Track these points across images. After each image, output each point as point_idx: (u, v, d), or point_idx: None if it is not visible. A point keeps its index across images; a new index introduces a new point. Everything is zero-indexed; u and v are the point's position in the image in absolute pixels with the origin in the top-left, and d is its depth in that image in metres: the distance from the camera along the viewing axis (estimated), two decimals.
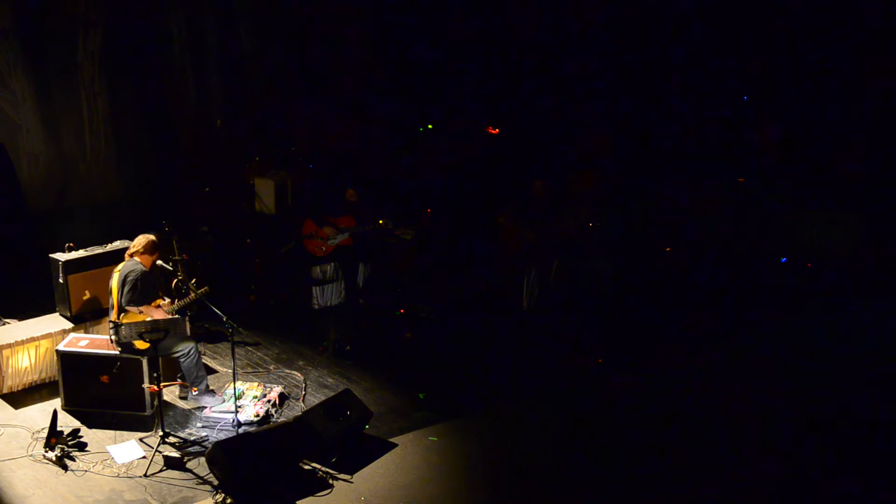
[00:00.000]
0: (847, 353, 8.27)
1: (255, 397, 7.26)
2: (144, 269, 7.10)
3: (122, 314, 6.99)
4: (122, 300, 6.98)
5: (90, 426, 6.93)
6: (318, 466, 6.40)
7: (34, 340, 7.59)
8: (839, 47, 10.00)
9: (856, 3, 9.95)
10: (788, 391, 7.63)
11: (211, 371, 7.86)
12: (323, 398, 7.16)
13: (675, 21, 10.71)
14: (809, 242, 10.02)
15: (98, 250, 8.13)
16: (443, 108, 12.00)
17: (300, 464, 6.42)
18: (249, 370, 8.04)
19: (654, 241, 10.26)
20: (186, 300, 7.28)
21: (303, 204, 11.19)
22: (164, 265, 7.43)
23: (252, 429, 6.81)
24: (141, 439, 6.76)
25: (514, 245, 9.21)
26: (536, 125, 11.48)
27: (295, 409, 7.25)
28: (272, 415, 7.10)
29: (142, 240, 7.21)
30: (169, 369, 7.34)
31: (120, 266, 7.15)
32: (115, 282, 7.05)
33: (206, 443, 6.66)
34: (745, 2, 10.50)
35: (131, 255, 7.17)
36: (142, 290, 7.02)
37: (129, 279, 6.99)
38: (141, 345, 6.86)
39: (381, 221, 9.19)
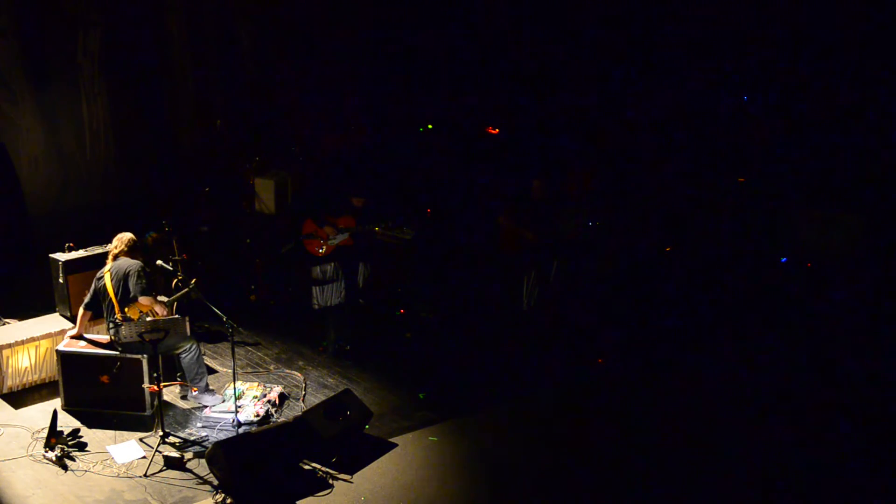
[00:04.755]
0: (845, 352, 8.29)
1: (255, 397, 7.26)
2: (139, 262, 7.12)
3: (128, 308, 6.99)
4: (133, 294, 6.99)
5: (90, 426, 6.93)
6: (318, 466, 6.40)
7: (34, 340, 7.59)
8: (839, 46, 10.00)
9: (857, 2, 9.95)
10: (789, 391, 7.64)
11: (211, 371, 7.86)
12: (323, 398, 7.16)
13: (672, 17, 10.71)
14: (809, 242, 10.01)
15: (98, 250, 8.14)
16: (443, 108, 12.00)
17: (300, 464, 6.42)
18: (249, 370, 8.04)
19: (654, 240, 10.26)
20: (178, 295, 7.27)
21: (303, 204, 11.19)
22: (164, 265, 7.43)
23: (252, 429, 6.81)
24: (141, 439, 6.76)
25: (514, 245, 9.21)
26: (537, 124, 11.49)
27: (295, 409, 7.25)
28: (272, 415, 7.10)
29: (124, 238, 7.25)
30: (169, 369, 7.34)
31: (107, 267, 7.15)
32: (108, 281, 7.05)
33: (206, 443, 6.66)
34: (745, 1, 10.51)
35: (116, 256, 7.18)
36: (145, 281, 7.03)
37: (131, 273, 7.01)
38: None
39: (377, 228, 9.16)
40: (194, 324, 7.49)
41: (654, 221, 10.41)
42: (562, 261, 9.16)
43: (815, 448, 6.76)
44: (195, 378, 7.26)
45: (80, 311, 7.39)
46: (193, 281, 7.18)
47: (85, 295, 7.52)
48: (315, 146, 12.16)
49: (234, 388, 7.07)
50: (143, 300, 7.03)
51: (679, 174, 10.68)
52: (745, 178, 10.47)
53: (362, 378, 7.89)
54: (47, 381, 7.64)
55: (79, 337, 7.34)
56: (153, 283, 7.26)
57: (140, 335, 6.67)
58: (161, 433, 6.67)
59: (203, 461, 6.35)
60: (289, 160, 11.88)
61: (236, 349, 6.87)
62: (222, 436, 6.69)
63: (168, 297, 7.39)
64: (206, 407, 7.19)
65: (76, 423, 6.94)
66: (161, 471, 6.34)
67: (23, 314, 8.21)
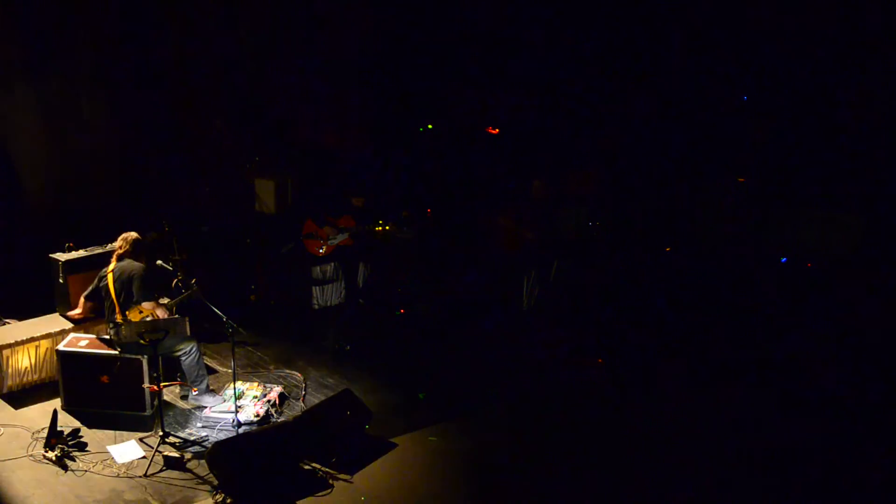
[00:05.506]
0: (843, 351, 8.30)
1: (255, 397, 7.26)
2: (142, 265, 7.10)
3: (129, 310, 6.99)
4: (135, 298, 6.98)
5: (90, 426, 6.93)
6: (318, 466, 6.39)
7: (34, 340, 7.59)
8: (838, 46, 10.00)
9: (855, 2, 9.95)
10: (787, 390, 7.65)
11: (211, 371, 7.86)
12: (323, 398, 7.16)
13: (674, 18, 10.71)
14: (809, 242, 10.01)
15: (98, 250, 8.13)
16: (442, 108, 12.00)
17: (300, 464, 6.41)
18: (249, 370, 8.03)
19: (654, 240, 10.26)
20: (180, 298, 7.27)
21: (303, 204, 11.19)
22: (165, 265, 7.43)
23: (252, 429, 6.82)
24: (141, 439, 6.76)
25: (514, 245, 9.21)
26: (536, 125, 11.49)
27: (295, 409, 7.25)
28: (272, 415, 7.10)
29: (128, 238, 7.22)
30: (169, 369, 7.33)
31: (111, 267, 7.14)
32: (110, 282, 7.04)
33: (206, 443, 6.66)
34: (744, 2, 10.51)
35: (120, 256, 7.16)
36: (149, 284, 7.03)
37: (135, 277, 7.00)
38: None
39: (377, 228, 9.17)
40: (194, 324, 7.50)
41: (653, 221, 10.41)
42: (562, 261, 9.17)
43: (817, 449, 6.77)
44: (195, 380, 7.25)
45: (81, 299, 7.44)
46: (193, 281, 7.19)
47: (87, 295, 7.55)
48: (315, 146, 12.15)
49: (234, 388, 7.07)
50: (144, 305, 7.02)
51: (679, 174, 10.68)
52: (745, 178, 10.47)
53: (362, 378, 7.89)
54: (47, 381, 7.63)
55: (80, 320, 7.35)
56: (155, 285, 7.25)
57: (140, 335, 6.67)
58: (161, 433, 6.67)
59: (203, 461, 6.35)
60: (289, 160, 11.88)
61: (236, 349, 6.86)
62: (222, 436, 6.69)
63: (169, 297, 7.39)
64: (206, 407, 7.19)
65: (76, 423, 6.94)
66: (161, 471, 6.34)
67: (23, 314, 8.21)
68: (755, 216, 10.33)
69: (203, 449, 6.54)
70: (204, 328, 8.49)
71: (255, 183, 11.32)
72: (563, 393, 7.70)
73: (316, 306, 9.50)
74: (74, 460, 6.46)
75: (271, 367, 8.09)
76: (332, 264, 9.49)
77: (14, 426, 6.96)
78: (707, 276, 9.80)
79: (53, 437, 6.55)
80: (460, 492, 6.26)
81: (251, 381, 7.66)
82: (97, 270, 7.49)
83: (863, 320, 8.83)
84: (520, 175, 10.58)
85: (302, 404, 7.35)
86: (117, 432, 6.85)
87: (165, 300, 7.27)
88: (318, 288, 9.47)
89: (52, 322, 7.89)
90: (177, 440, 6.73)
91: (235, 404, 6.95)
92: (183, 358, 7.15)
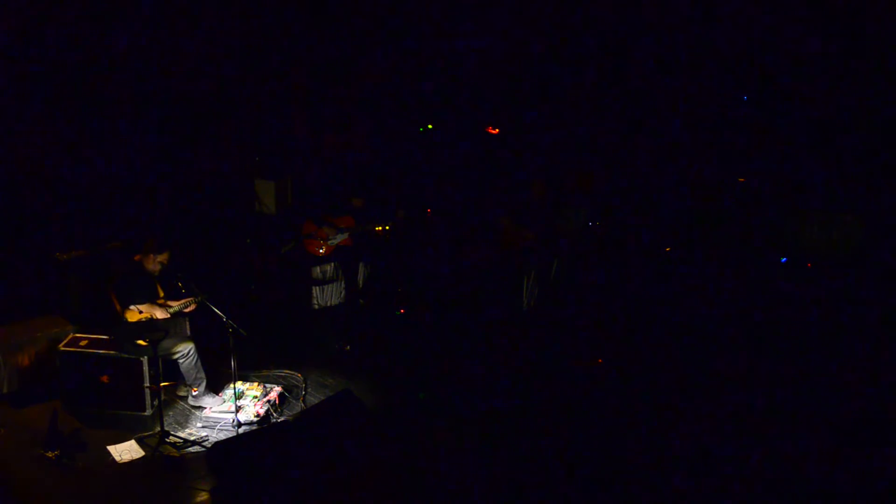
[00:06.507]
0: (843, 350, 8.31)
1: (255, 397, 7.26)
2: (144, 268, 7.10)
3: (127, 310, 7.00)
4: (134, 300, 6.98)
5: (90, 426, 6.93)
6: (318, 466, 6.39)
7: (34, 340, 7.59)
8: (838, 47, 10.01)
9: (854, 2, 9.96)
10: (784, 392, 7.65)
11: (211, 371, 7.84)
12: (323, 398, 7.16)
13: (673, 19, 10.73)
14: (809, 242, 10.02)
15: (99, 250, 8.13)
16: (443, 108, 12.01)
17: (300, 464, 6.41)
18: (249, 370, 8.03)
19: (655, 240, 10.27)
20: (182, 302, 7.26)
21: (303, 204, 11.20)
22: (166, 266, 7.42)
23: (252, 429, 6.82)
24: (141, 439, 6.77)
25: (514, 245, 9.22)
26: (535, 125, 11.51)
27: (295, 409, 7.26)
28: (272, 415, 7.11)
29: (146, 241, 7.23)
30: (171, 370, 7.33)
31: (112, 267, 7.15)
32: (107, 281, 7.04)
33: (206, 443, 6.67)
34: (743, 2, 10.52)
35: (121, 256, 7.16)
36: (142, 288, 7.03)
37: (134, 277, 7.00)
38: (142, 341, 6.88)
39: (377, 228, 9.17)
40: (194, 324, 7.50)
41: (653, 222, 10.42)
42: (562, 261, 9.18)
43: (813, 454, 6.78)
44: (194, 382, 7.25)
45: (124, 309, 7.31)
46: (201, 296, 7.19)
47: (87, 295, 7.52)
48: (315, 146, 12.17)
49: (234, 388, 7.08)
50: (142, 306, 7.02)
51: (679, 174, 10.69)
52: (745, 178, 10.49)
53: (362, 378, 7.90)
54: (47, 381, 7.63)
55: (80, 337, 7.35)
56: (150, 289, 7.24)
57: (140, 336, 6.67)
58: (161, 433, 6.67)
59: (203, 461, 6.35)
60: (289, 160, 11.89)
61: (237, 349, 6.87)
62: (222, 436, 6.70)
63: (168, 297, 7.38)
64: (205, 407, 7.19)
65: (76, 424, 6.94)
66: (161, 471, 6.34)
67: (23, 314, 8.21)
68: (755, 216, 10.35)
69: (203, 449, 6.55)
70: (203, 328, 8.50)
71: (255, 183, 11.33)
72: (564, 393, 7.70)
73: (316, 306, 9.51)
74: (74, 460, 6.46)
75: (271, 367, 8.09)
76: (332, 264, 9.49)
77: (14, 426, 6.96)
78: (707, 275, 9.80)
79: (53, 437, 6.55)
80: (460, 492, 6.26)
81: (251, 381, 7.66)
82: (98, 271, 7.48)
83: (863, 320, 8.85)
84: (520, 175, 10.60)
85: (302, 404, 7.36)
86: (117, 432, 6.86)
87: (171, 303, 7.26)
88: (318, 288, 9.48)
89: (52, 322, 7.89)
90: (177, 440, 6.73)
91: (235, 404, 6.96)
92: (181, 361, 7.14)
